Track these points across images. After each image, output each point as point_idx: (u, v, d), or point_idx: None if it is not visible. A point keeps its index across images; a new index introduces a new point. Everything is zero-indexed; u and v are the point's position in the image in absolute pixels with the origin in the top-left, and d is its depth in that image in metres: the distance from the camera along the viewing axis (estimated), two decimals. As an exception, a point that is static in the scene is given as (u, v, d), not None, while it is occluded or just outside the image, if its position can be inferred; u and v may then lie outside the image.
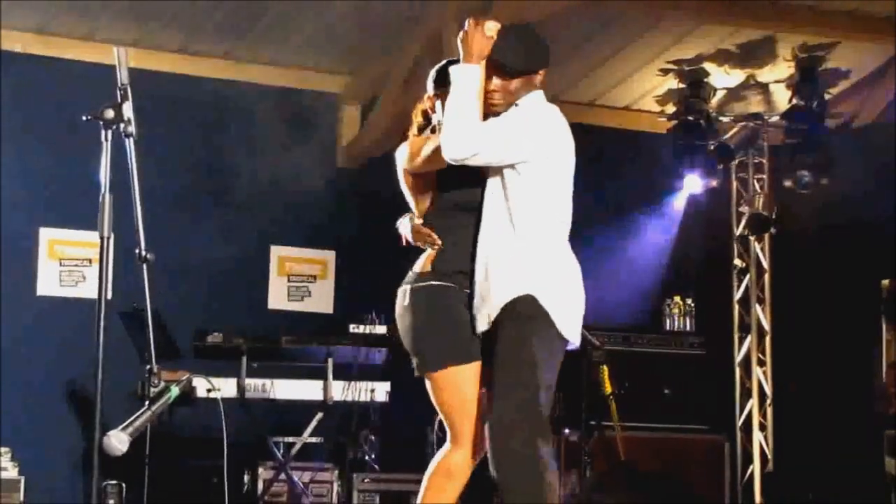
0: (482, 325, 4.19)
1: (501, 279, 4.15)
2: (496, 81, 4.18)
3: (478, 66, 4.13)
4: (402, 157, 4.39)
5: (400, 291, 4.31)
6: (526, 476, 4.02)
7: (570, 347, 4.26)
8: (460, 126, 4.07)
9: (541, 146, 4.15)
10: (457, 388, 4.19)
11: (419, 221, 4.36)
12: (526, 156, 4.12)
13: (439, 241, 4.29)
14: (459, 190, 4.30)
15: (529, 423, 4.03)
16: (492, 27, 4.16)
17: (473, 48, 4.14)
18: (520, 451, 4.01)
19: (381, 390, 7.20)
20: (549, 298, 4.11)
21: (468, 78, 4.12)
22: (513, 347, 4.09)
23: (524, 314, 4.10)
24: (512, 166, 4.13)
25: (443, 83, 4.25)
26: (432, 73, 4.39)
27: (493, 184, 4.19)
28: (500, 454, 4.02)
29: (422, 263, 4.31)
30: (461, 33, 4.18)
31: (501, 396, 4.05)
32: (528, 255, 4.14)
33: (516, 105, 4.23)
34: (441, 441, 4.44)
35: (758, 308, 9.38)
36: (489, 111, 4.19)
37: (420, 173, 4.35)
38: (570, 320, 4.17)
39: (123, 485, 7.07)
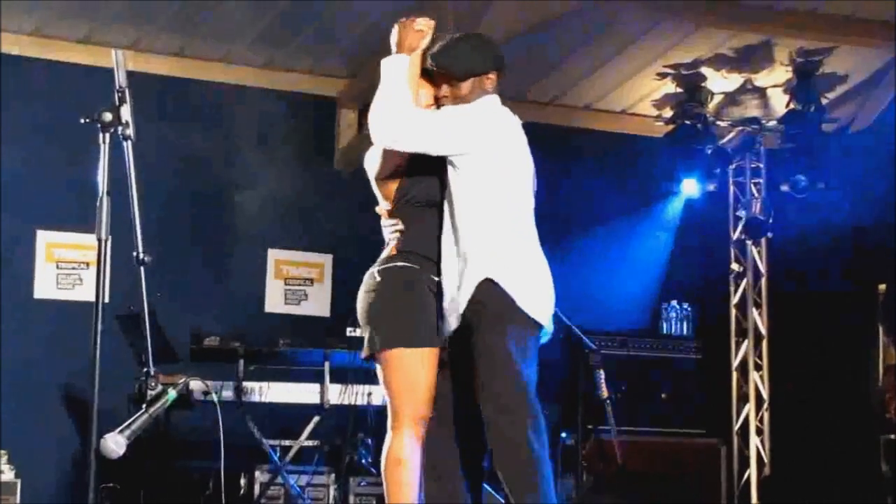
0: (454, 324, 4.24)
1: (466, 275, 4.20)
2: (445, 88, 4.30)
3: (406, 55, 4.25)
4: (371, 157, 4.46)
5: (367, 273, 4.38)
6: (520, 466, 4.06)
7: (545, 338, 4.29)
8: (384, 110, 4.18)
9: (474, 140, 4.20)
10: (403, 371, 4.22)
11: (385, 217, 4.44)
12: (457, 148, 4.19)
13: (401, 227, 4.36)
14: (422, 186, 4.36)
15: (515, 415, 4.07)
16: (422, 22, 4.29)
17: (404, 41, 4.28)
18: (512, 443, 4.06)
19: (377, 394, 7.19)
20: (512, 284, 4.15)
21: (395, 66, 4.24)
22: (487, 346, 4.13)
23: (492, 310, 4.15)
24: (452, 162, 4.20)
25: None
26: None
27: (447, 180, 4.26)
28: (497, 450, 4.09)
29: (389, 248, 4.39)
30: (393, 31, 4.31)
31: (486, 395, 4.11)
32: (486, 247, 4.18)
33: None
34: None
35: (755, 312, 9.38)
36: None
37: (387, 170, 4.40)
38: (537, 303, 4.21)
39: (120, 487, 7.06)
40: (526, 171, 4.34)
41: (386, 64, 4.25)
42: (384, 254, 4.39)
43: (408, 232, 4.35)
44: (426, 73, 4.35)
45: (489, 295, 4.14)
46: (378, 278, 4.30)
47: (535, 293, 4.23)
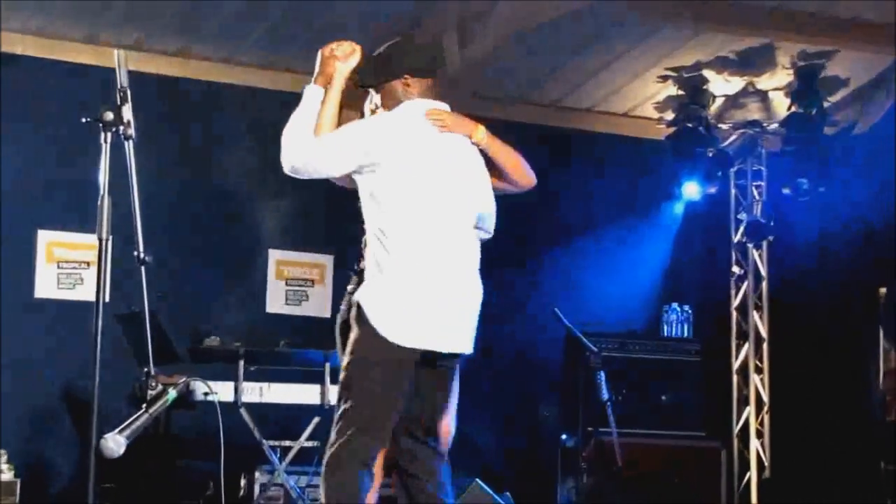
0: None
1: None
2: (375, 98, 4.51)
3: (318, 86, 4.44)
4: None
5: None
6: (326, 475, 4.26)
7: (430, 348, 4.31)
8: (286, 143, 4.38)
9: (365, 155, 4.30)
10: None
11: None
12: (349, 166, 4.33)
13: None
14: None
15: (340, 431, 4.27)
16: (340, 48, 4.46)
17: (321, 68, 4.48)
18: (329, 452, 4.27)
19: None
20: (373, 305, 4.24)
21: (306, 97, 4.45)
22: (341, 355, 4.36)
23: (352, 323, 4.31)
24: (356, 178, 4.36)
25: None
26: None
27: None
28: None
29: None
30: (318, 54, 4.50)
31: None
32: (371, 265, 4.33)
33: None
34: None
35: (755, 315, 9.38)
36: None
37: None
38: (398, 325, 4.23)
39: (120, 488, 7.06)
40: (438, 183, 4.34)
41: (303, 94, 4.45)
42: None
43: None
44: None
45: (356, 318, 4.29)
46: None
47: (404, 315, 4.25)
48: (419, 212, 4.29)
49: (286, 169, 4.39)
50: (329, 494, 4.24)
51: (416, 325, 4.24)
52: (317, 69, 4.48)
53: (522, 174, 4.58)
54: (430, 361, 4.32)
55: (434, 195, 4.31)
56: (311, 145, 4.36)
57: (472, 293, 4.41)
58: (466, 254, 4.40)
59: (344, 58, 4.46)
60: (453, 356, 4.38)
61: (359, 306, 4.27)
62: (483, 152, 4.50)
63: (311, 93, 4.45)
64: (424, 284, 4.27)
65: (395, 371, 4.25)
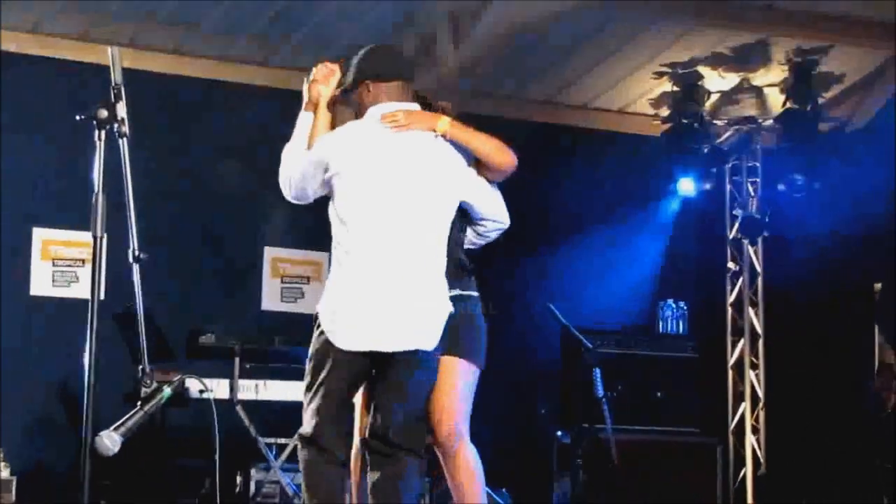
0: None
1: None
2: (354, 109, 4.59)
3: (308, 112, 4.56)
4: None
5: None
6: (301, 470, 4.40)
7: (358, 348, 4.31)
8: (281, 174, 4.55)
9: (327, 170, 4.39)
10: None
11: None
12: (322, 182, 4.43)
13: None
14: None
15: (304, 425, 4.38)
16: (317, 71, 4.56)
17: (307, 95, 4.59)
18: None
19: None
20: (323, 308, 4.37)
21: (297, 125, 4.59)
22: None
23: (314, 329, 4.40)
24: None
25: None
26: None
27: None
28: None
29: None
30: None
31: None
32: (331, 274, 4.48)
33: None
34: None
35: (751, 311, 9.39)
36: None
37: None
38: (334, 326, 4.31)
39: (116, 485, 7.06)
40: (383, 189, 4.35)
41: (296, 122, 4.57)
42: None
43: None
44: None
45: (314, 323, 4.40)
46: None
47: (338, 317, 4.32)
48: (364, 217, 4.36)
49: (288, 199, 4.58)
50: (307, 494, 4.34)
51: (355, 329, 4.29)
52: (304, 97, 4.56)
53: (500, 156, 4.48)
54: (381, 362, 4.33)
55: (379, 202, 4.34)
56: (296, 171, 4.47)
57: (419, 292, 4.35)
58: (415, 254, 4.36)
59: (324, 80, 4.53)
60: (406, 353, 4.33)
61: (316, 313, 4.38)
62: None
63: (301, 120, 4.56)
64: (363, 287, 4.32)
65: (342, 372, 4.31)
